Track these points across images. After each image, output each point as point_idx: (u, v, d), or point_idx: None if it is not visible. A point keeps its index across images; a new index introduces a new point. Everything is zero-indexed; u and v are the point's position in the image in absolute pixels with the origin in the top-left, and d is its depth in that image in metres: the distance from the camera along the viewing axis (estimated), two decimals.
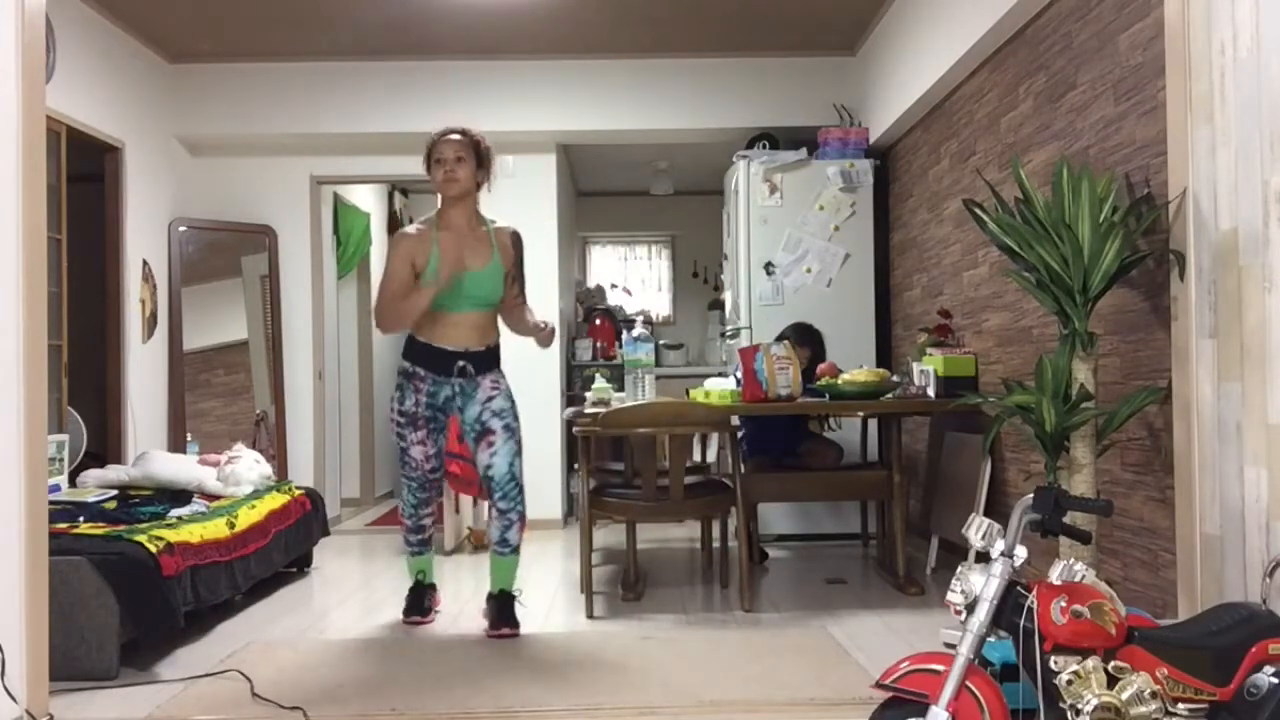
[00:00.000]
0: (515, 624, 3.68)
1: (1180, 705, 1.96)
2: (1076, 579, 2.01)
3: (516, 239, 3.78)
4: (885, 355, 5.85)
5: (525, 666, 3.27)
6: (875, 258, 5.70)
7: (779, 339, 4.59)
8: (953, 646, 2.00)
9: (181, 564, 3.46)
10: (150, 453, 4.71)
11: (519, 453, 3.70)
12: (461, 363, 3.66)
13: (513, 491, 3.67)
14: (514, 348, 4.11)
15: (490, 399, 3.69)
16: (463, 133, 3.69)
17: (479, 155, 3.69)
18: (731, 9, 5.29)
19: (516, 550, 3.72)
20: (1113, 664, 1.96)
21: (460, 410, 3.71)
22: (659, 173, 7.97)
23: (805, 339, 4.83)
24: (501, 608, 3.70)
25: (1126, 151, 3.16)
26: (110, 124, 5.23)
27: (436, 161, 3.66)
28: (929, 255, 5.15)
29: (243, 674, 3.16)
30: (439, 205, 3.73)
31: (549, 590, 4.49)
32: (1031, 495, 2.06)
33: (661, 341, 8.11)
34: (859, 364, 4.93)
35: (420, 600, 3.93)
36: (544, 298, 6.02)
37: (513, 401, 3.75)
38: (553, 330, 3.89)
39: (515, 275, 3.73)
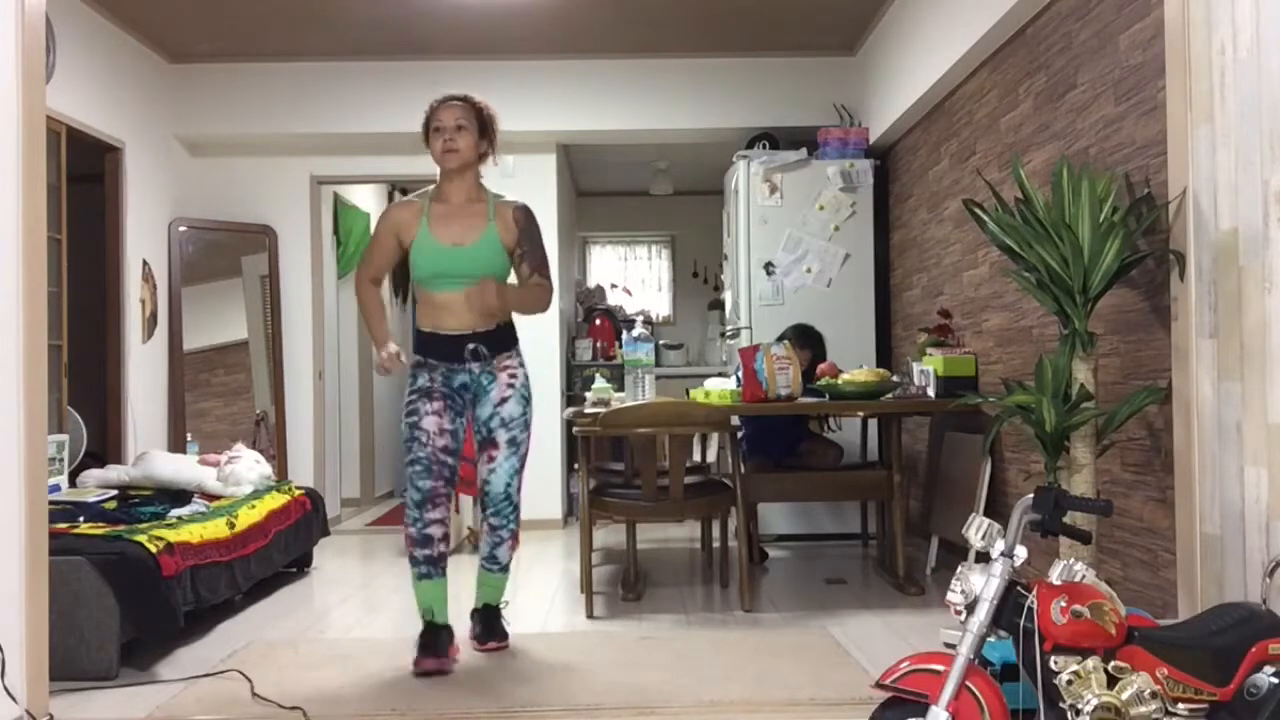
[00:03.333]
0: (503, 636, 3.49)
1: (1180, 705, 1.96)
2: (1076, 579, 2.01)
3: (523, 212, 3.44)
4: (885, 355, 5.84)
5: (525, 666, 3.27)
6: (875, 258, 5.70)
7: (779, 340, 4.59)
8: (953, 646, 2.00)
9: (181, 564, 3.46)
10: (150, 453, 4.71)
11: (520, 470, 3.40)
12: (473, 345, 3.32)
13: (506, 509, 3.39)
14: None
15: (504, 400, 3.35)
16: (464, 99, 3.38)
17: (482, 123, 3.39)
18: (731, 9, 5.28)
19: (506, 569, 3.50)
20: (1113, 664, 1.96)
21: (475, 403, 3.38)
22: (659, 173, 7.97)
23: (805, 341, 4.81)
24: (487, 622, 3.50)
25: (1126, 151, 3.16)
26: (110, 124, 5.23)
27: (435, 130, 3.34)
28: (929, 255, 5.14)
29: (243, 674, 3.16)
30: (438, 178, 3.45)
31: (549, 590, 4.49)
32: (1031, 495, 2.06)
33: (661, 341, 8.11)
34: (859, 364, 4.92)
35: (435, 642, 3.26)
36: None
37: (527, 400, 3.41)
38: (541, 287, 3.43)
39: (525, 253, 3.38)
